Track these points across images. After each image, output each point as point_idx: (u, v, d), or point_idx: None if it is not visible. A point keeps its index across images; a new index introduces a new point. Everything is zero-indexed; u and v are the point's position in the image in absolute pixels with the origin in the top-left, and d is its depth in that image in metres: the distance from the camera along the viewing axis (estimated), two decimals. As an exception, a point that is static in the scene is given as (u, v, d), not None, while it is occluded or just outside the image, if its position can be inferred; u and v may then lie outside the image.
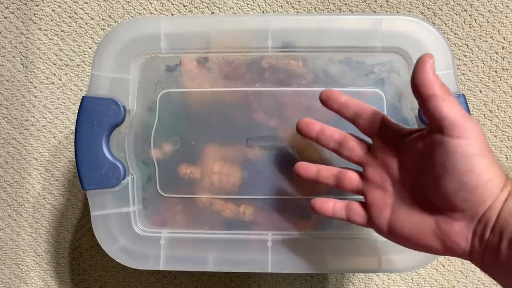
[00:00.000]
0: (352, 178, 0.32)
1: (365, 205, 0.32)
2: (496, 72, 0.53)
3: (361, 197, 0.33)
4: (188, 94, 0.40)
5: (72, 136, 0.56)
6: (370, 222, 0.32)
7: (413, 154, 0.29)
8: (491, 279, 0.27)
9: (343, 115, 0.32)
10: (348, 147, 0.32)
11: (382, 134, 0.31)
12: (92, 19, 0.56)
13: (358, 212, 0.32)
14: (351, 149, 0.32)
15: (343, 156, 0.33)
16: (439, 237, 0.27)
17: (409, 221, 0.29)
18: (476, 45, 0.53)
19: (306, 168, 0.34)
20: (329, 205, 0.33)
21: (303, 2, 0.54)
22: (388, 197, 0.30)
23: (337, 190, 0.34)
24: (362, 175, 0.32)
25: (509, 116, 0.53)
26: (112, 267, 0.56)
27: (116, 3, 0.55)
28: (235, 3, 0.55)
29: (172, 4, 0.55)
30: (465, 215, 0.26)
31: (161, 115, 0.40)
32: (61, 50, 0.56)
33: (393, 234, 0.30)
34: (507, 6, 0.53)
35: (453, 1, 0.53)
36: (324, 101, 0.33)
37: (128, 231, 0.39)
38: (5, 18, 0.56)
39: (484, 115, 0.53)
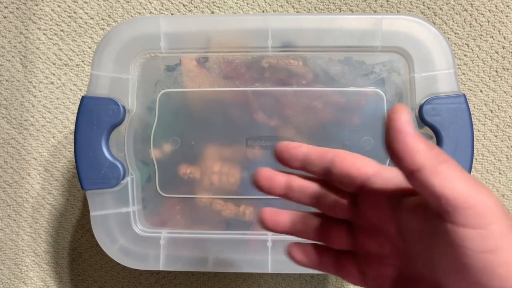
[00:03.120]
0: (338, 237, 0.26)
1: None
2: (496, 71, 0.53)
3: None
4: (188, 94, 0.40)
5: (72, 136, 0.55)
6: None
7: (413, 227, 0.21)
8: None
9: (310, 173, 0.25)
10: (326, 202, 0.25)
11: (368, 192, 0.23)
12: (91, 18, 0.55)
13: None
14: (331, 206, 0.25)
15: (325, 212, 0.26)
16: None
17: None
18: (476, 45, 0.53)
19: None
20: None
21: (303, 2, 0.54)
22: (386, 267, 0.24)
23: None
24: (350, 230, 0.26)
25: (509, 116, 0.53)
26: (112, 267, 0.56)
27: (115, 3, 0.55)
28: (235, 3, 0.55)
29: (172, 3, 0.55)
30: None
31: (161, 115, 0.40)
32: (60, 49, 0.56)
33: None
34: (508, 6, 0.53)
35: (454, 1, 0.53)
36: (280, 160, 0.25)
37: (128, 231, 0.39)
38: (5, 17, 0.56)
39: (485, 115, 0.53)
